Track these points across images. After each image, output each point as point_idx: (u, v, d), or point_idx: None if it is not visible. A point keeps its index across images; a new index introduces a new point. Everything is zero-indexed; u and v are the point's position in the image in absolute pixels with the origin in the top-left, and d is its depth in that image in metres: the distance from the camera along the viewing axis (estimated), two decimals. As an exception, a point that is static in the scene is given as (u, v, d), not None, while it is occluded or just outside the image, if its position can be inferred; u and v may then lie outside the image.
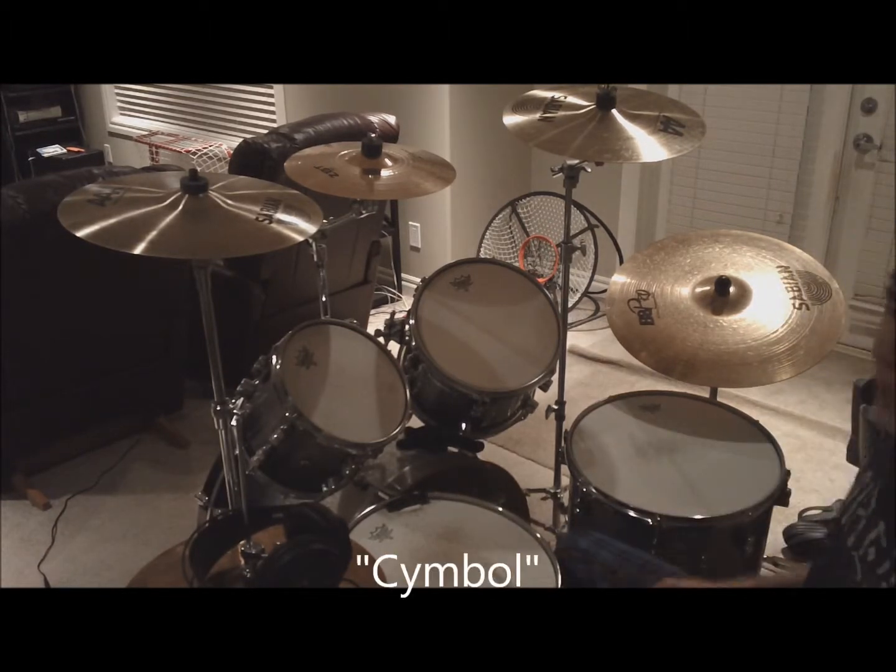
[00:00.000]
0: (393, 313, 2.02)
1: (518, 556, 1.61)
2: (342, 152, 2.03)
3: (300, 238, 1.44)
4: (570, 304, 3.30)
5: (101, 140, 5.72)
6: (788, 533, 2.37)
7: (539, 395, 2.06)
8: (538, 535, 1.67)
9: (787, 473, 1.78)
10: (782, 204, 3.47)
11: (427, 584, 1.54)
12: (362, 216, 2.02)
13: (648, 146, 1.82)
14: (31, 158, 5.34)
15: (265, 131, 2.96)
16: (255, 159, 2.75)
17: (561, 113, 1.90)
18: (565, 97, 1.95)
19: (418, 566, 1.59)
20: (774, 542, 2.34)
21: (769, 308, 1.93)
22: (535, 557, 1.60)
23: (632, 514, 1.69)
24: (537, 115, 1.90)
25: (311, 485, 1.73)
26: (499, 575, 1.58)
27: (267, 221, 1.43)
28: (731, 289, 1.95)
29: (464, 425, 1.96)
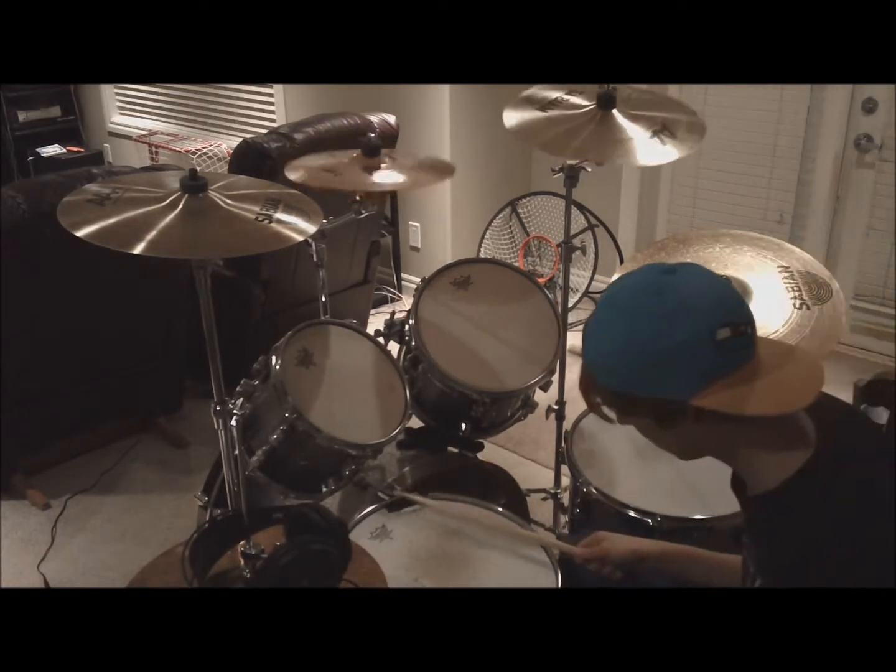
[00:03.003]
0: (393, 313, 2.02)
1: (518, 556, 1.62)
2: (341, 158, 2.03)
3: (300, 238, 1.43)
4: (570, 304, 3.30)
5: (100, 140, 5.72)
6: (788, 533, 2.37)
7: (539, 395, 2.06)
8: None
9: (788, 473, 1.78)
10: (783, 204, 3.47)
11: (427, 585, 1.54)
12: (362, 216, 2.02)
13: (645, 150, 1.82)
14: (30, 158, 5.33)
15: (265, 131, 2.96)
16: (255, 159, 2.75)
17: (561, 111, 1.90)
18: (566, 96, 1.95)
19: (418, 566, 1.59)
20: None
21: (770, 308, 1.92)
22: (535, 558, 1.61)
23: (632, 514, 1.69)
24: (537, 111, 1.90)
25: (310, 485, 1.73)
26: (499, 575, 1.58)
27: (267, 221, 1.43)
28: (732, 289, 1.95)
29: (464, 425, 1.96)
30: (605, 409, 1.11)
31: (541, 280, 2.25)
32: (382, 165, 1.98)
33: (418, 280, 2.04)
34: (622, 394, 1.05)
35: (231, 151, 3.33)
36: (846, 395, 2.60)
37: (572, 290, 3.95)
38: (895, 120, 3.10)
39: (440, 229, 4.01)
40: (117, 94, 5.56)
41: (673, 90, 3.50)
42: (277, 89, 4.48)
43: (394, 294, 4.18)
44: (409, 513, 1.73)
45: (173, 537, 2.45)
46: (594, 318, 1.08)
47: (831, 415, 1.09)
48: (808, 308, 1.90)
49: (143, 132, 5.28)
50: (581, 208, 3.89)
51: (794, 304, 1.92)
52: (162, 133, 5.20)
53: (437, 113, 3.79)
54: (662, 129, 1.86)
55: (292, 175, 1.92)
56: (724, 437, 1.06)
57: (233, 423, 1.53)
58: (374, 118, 3.10)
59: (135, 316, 2.75)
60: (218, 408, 1.51)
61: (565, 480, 2.10)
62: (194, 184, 1.42)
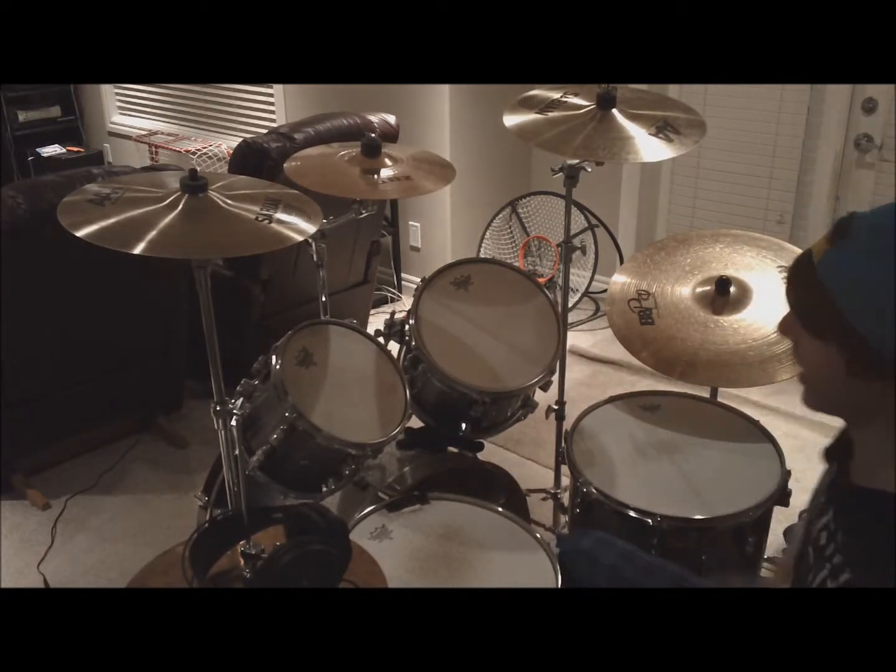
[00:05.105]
0: (393, 313, 2.02)
1: (518, 556, 1.62)
2: (342, 152, 2.03)
3: (300, 238, 1.43)
4: (570, 304, 3.30)
5: (100, 140, 5.72)
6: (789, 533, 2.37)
7: (539, 395, 2.06)
8: (538, 536, 1.67)
9: (788, 473, 1.78)
10: (783, 204, 3.47)
11: (427, 585, 1.54)
12: (362, 216, 2.02)
13: (647, 146, 1.82)
14: (30, 158, 5.34)
15: (265, 131, 2.96)
16: (255, 159, 2.75)
17: (561, 112, 1.90)
18: (566, 96, 1.95)
19: (418, 566, 1.59)
20: (775, 542, 2.33)
21: (770, 308, 1.93)
22: (535, 557, 1.61)
23: (632, 514, 1.69)
24: (537, 114, 1.90)
25: (311, 485, 1.73)
26: (499, 575, 1.58)
27: (267, 221, 1.43)
28: (732, 289, 1.95)
29: (464, 425, 1.96)
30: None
31: (541, 280, 2.25)
32: (383, 169, 1.98)
33: (418, 280, 2.04)
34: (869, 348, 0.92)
35: (231, 151, 3.33)
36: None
37: (572, 290, 3.95)
38: (895, 120, 3.10)
39: (440, 229, 4.01)
40: (117, 94, 5.56)
41: (673, 90, 3.50)
42: (277, 89, 4.48)
43: (394, 294, 4.18)
44: (409, 513, 1.73)
45: (173, 537, 2.44)
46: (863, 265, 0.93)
47: None
48: (808, 308, 1.90)
49: (143, 132, 5.28)
50: (581, 208, 3.89)
51: (794, 304, 1.92)
52: (162, 133, 5.20)
53: (437, 113, 3.79)
54: (665, 126, 1.86)
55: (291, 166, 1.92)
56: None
57: (233, 423, 1.53)
58: (374, 118, 3.11)
59: (135, 316, 2.75)
60: (218, 408, 1.51)
61: (565, 480, 2.10)
62: (194, 184, 1.42)
